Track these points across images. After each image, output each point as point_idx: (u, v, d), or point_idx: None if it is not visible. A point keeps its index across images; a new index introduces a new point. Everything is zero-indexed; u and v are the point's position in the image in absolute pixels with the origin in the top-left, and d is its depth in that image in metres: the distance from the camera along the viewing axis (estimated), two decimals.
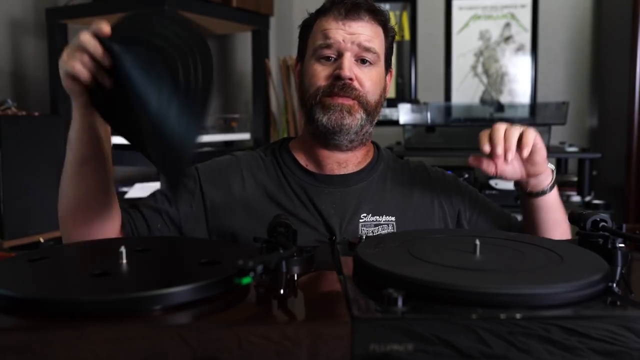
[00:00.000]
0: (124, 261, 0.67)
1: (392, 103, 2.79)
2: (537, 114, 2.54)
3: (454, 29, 2.85)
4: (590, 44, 2.74)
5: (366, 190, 1.09)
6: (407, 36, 2.89)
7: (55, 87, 2.33)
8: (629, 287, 0.64)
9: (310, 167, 1.10)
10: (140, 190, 2.23)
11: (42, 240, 2.03)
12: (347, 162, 1.10)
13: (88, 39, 0.79)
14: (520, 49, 2.80)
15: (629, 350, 0.52)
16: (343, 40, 1.04)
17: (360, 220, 1.06)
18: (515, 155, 0.93)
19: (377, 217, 1.07)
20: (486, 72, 2.84)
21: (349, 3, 1.05)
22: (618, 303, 0.58)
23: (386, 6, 2.87)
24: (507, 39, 2.81)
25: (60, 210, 0.96)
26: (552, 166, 1.02)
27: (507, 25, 2.81)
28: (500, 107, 2.56)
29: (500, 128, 0.92)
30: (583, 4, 2.73)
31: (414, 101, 2.67)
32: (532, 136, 0.92)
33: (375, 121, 1.11)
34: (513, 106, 2.64)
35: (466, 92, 2.85)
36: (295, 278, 0.68)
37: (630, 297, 0.61)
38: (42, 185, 2.09)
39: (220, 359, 0.51)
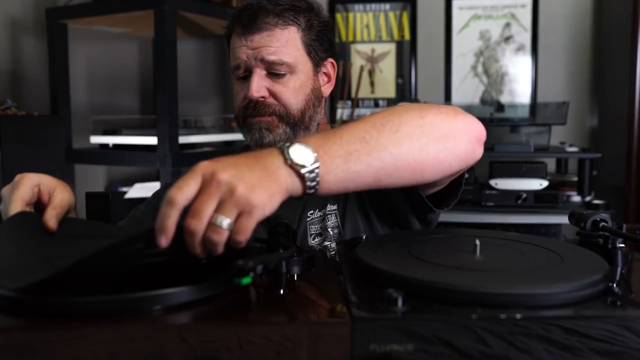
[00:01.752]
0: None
1: (392, 103, 2.79)
2: (537, 114, 2.53)
3: (454, 29, 2.84)
4: (591, 44, 2.74)
5: None
6: (407, 36, 2.89)
7: (55, 87, 2.32)
8: (629, 287, 0.64)
9: None
10: (140, 190, 2.23)
11: None
12: None
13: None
14: (520, 49, 2.80)
15: (629, 350, 0.52)
16: (247, 58, 1.00)
17: (308, 219, 1.04)
18: None
19: (323, 209, 1.05)
20: (486, 72, 2.84)
21: (246, 15, 1.00)
22: (618, 303, 0.58)
23: (386, 6, 2.87)
24: (507, 39, 2.81)
25: None
26: (302, 157, 0.65)
27: (507, 25, 2.81)
28: (500, 107, 2.56)
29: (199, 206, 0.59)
30: (583, 4, 2.73)
31: (414, 101, 2.67)
32: (251, 224, 0.60)
33: (314, 123, 1.07)
34: (513, 106, 2.64)
35: (466, 92, 2.85)
36: (295, 278, 0.68)
37: (630, 297, 0.61)
38: None
39: (220, 359, 0.51)
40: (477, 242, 0.67)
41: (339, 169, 0.67)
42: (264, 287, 0.64)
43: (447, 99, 2.85)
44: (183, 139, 2.09)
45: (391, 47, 2.90)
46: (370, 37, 2.90)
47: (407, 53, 2.90)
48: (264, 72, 1.01)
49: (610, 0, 2.66)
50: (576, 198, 2.33)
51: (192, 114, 2.71)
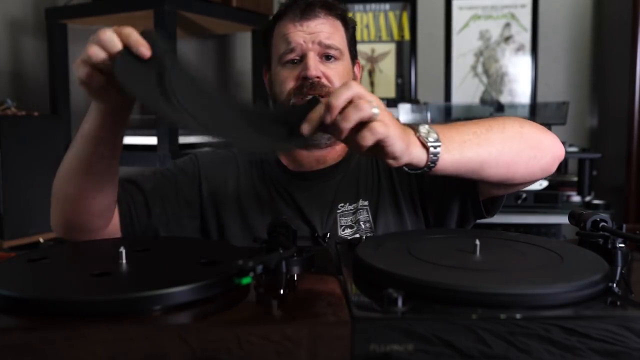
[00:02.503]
0: (124, 261, 0.67)
1: (392, 103, 2.79)
2: (537, 114, 2.53)
3: (454, 29, 2.84)
4: (591, 44, 2.74)
5: (343, 181, 1.09)
6: (407, 36, 2.89)
7: (55, 87, 2.32)
8: (629, 287, 0.64)
9: (291, 166, 1.12)
10: None
11: (42, 240, 2.03)
12: (325, 157, 1.11)
13: (111, 36, 0.74)
14: (520, 49, 2.80)
15: (629, 350, 0.52)
16: (304, 42, 1.05)
17: (338, 211, 1.07)
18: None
19: (355, 204, 1.08)
20: (486, 72, 2.84)
21: (303, 3, 1.06)
22: (618, 303, 0.58)
23: (386, 6, 2.87)
24: (507, 39, 2.81)
25: (58, 193, 0.95)
26: (429, 135, 0.77)
27: (507, 25, 2.81)
28: (500, 107, 2.56)
29: (342, 94, 0.71)
30: (583, 4, 2.73)
31: (413, 101, 2.67)
32: (379, 132, 0.71)
33: None
34: (513, 106, 2.64)
35: (466, 92, 2.85)
36: (295, 278, 0.68)
37: (630, 297, 0.61)
38: (42, 185, 2.08)
39: (220, 359, 0.51)
40: (477, 242, 0.67)
41: (455, 152, 0.79)
42: (264, 287, 0.64)
43: (447, 99, 2.85)
44: (183, 139, 2.09)
45: (391, 47, 2.90)
46: (370, 37, 2.90)
47: (407, 53, 2.90)
48: (317, 57, 1.06)
49: (610, 0, 2.66)
50: (576, 198, 2.33)
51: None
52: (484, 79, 2.85)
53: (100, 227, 0.97)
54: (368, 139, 0.70)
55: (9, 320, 0.55)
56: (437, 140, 0.76)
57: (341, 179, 1.10)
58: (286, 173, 1.11)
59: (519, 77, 2.82)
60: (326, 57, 1.06)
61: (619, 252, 0.67)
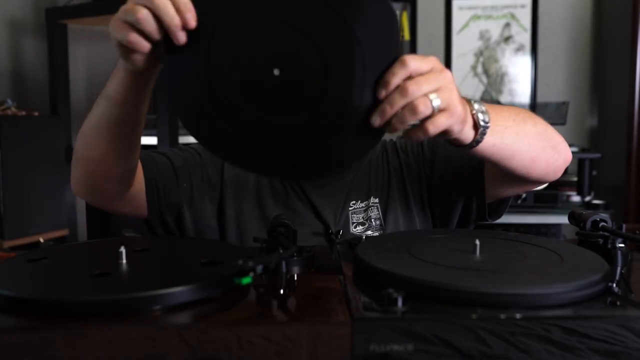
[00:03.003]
0: (124, 261, 0.67)
1: None
2: (537, 114, 2.54)
3: (454, 29, 2.84)
4: (590, 44, 2.74)
5: (356, 179, 1.10)
6: (407, 36, 2.89)
7: (55, 87, 2.33)
8: (629, 287, 0.64)
9: None
10: None
11: (42, 240, 2.03)
12: None
13: (165, 2, 0.65)
14: (520, 49, 2.80)
15: (629, 350, 0.52)
16: None
17: (350, 208, 1.07)
18: None
19: (366, 201, 1.08)
20: (486, 72, 2.84)
21: None
22: (618, 303, 0.58)
23: None
24: (507, 39, 2.81)
25: (79, 154, 0.91)
26: (483, 116, 0.74)
27: (507, 25, 2.81)
28: None
29: (396, 74, 0.65)
30: (583, 4, 2.73)
31: None
32: (442, 125, 0.67)
33: None
34: (513, 106, 2.64)
35: (466, 92, 2.85)
36: (295, 278, 0.68)
37: (630, 297, 0.61)
38: (42, 185, 2.09)
39: (220, 359, 0.51)
40: (477, 242, 0.67)
41: (497, 135, 0.78)
42: (264, 287, 0.64)
43: None
44: (183, 139, 2.09)
45: None
46: None
47: (407, 53, 2.90)
48: None
49: (610, 0, 2.66)
50: (576, 198, 2.33)
51: None
52: (484, 79, 2.85)
53: (119, 192, 0.95)
54: (430, 131, 0.67)
55: (9, 320, 0.55)
56: (487, 122, 0.74)
57: (354, 176, 1.10)
58: None
59: (518, 77, 2.82)
60: None
61: (619, 252, 0.67)
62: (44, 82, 2.41)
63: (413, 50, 2.88)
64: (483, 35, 2.83)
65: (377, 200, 1.08)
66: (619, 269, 0.66)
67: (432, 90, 0.66)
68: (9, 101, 2.12)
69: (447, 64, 2.85)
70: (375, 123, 0.65)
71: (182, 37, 0.66)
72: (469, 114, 0.73)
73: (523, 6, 2.78)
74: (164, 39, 0.67)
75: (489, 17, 2.82)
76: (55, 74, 2.31)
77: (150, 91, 0.83)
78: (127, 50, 0.70)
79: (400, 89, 0.64)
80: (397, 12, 2.87)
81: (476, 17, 2.83)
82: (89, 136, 0.87)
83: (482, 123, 0.74)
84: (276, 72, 0.66)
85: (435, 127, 0.67)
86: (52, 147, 2.15)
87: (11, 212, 1.99)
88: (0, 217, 1.98)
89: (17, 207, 2.01)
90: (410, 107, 0.65)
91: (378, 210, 1.07)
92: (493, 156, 0.80)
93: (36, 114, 2.20)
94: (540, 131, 0.86)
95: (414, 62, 0.65)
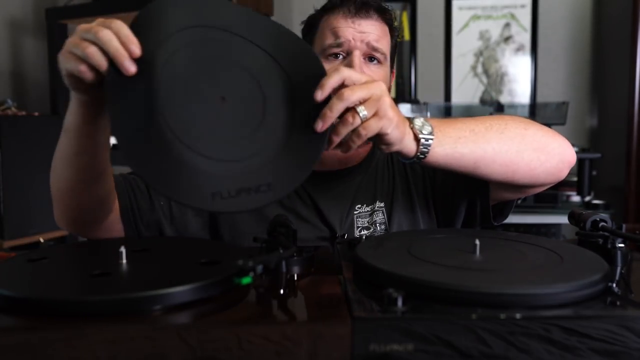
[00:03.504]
0: (124, 261, 0.67)
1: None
2: (537, 114, 2.54)
3: (454, 29, 2.85)
4: (590, 44, 2.74)
5: (362, 182, 1.09)
6: (407, 36, 2.89)
7: (55, 87, 2.33)
8: (629, 287, 0.64)
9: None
10: None
11: (42, 240, 2.03)
12: (349, 159, 1.10)
13: (109, 37, 0.69)
14: (520, 49, 2.80)
15: (629, 350, 0.52)
16: (353, 39, 1.04)
17: (355, 212, 1.07)
18: None
19: (372, 205, 1.08)
20: (486, 72, 2.84)
21: (359, 1, 1.05)
22: (618, 303, 0.58)
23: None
24: (507, 39, 2.81)
25: (52, 187, 0.94)
26: (423, 128, 0.81)
27: (507, 25, 2.81)
28: (500, 107, 2.56)
29: (331, 80, 0.74)
30: (583, 4, 2.73)
31: (413, 101, 2.67)
32: (376, 126, 0.75)
33: None
34: (513, 106, 2.64)
35: (466, 92, 2.85)
36: (295, 278, 0.68)
37: (630, 297, 0.61)
38: (42, 185, 2.08)
39: (220, 359, 0.51)
40: (477, 242, 0.67)
41: (447, 146, 0.82)
42: (264, 287, 0.64)
43: (447, 99, 2.85)
44: None
45: None
46: None
47: (407, 53, 2.90)
48: (361, 57, 1.05)
49: (610, 0, 2.66)
50: (576, 198, 2.33)
51: None
52: (484, 79, 2.85)
53: (99, 219, 0.96)
54: (362, 134, 0.74)
55: (9, 320, 0.55)
56: (430, 134, 0.80)
57: (361, 180, 1.09)
58: None
59: (518, 77, 2.82)
60: (369, 59, 1.05)
61: (619, 252, 0.67)
62: (44, 82, 2.41)
63: (413, 50, 2.88)
64: (483, 35, 2.83)
65: (382, 204, 1.08)
66: (619, 269, 0.66)
67: (366, 97, 0.74)
68: (9, 101, 2.12)
69: (447, 64, 2.85)
70: (318, 128, 0.74)
71: (129, 67, 0.69)
72: (408, 127, 0.80)
73: (523, 6, 2.78)
74: (112, 68, 0.70)
75: (489, 17, 2.82)
76: (55, 74, 2.31)
77: (106, 121, 0.84)
78: (76, 79, 0.74)
79: (338, 94, 0.73)
80: (397, 12, 2.87)
81: (476, 17, 2.83)
82: (57, 168, 0.91)
83: (421, 135, 0.80)
84: (222, 100, 0.73)
85: (366, 130, 0.74)
86: (52, 147, 2.15)
87: (11, 212, 1.99)
88: (0, 217, 1.98)
89: (17, 207, 2.01)
90: (342, 120, 0.74)
91: (383, 215, 1.07)
92: (451, 166, 0.85)
93: (36, 114, 2.20)
94: (513, 135, 0.87)
95: (347, 71, 0.76)
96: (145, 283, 0.62)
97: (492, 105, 2.61)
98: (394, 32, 1.11)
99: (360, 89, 0.74)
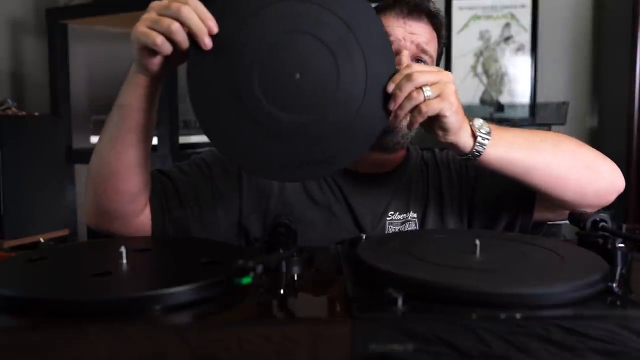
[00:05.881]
0: (124, 261, 0.67)
1: None
2: (537, 114, 2.53)
3: (454, 29, 2.84)
4: (590, 44, 2.74)
5: (397, 190, 1.08)
6: None
7: (55, 87, 2.32)
8: (629, 287, 0.64)
9: (348, 166, 1.08)
10: None
11: (42, 240, 2.03)
12: (384, 163, 1.10)
13: (191, 14, 0.74)
14: (520, 49, 2.80)
15: (628, 350, 0.52)
16: (403, 38, 1.04)
17: (388, 218, 1.06)
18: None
19: (404, 214, 1.07)
20: (486, 72, 2.84)
21: (412, 2, 1.06)
22: (618, 303, 0.58)
23: None
24: (507, 39, 2.81)
25: (92, 173, 0.91)
26: (481, 127, 0.85)
27: (507, 25, 2.81)
28: (500, 107, 2.56)
29: (409, 82, 0.78)
30: (583, 4, 2.73)
31: None
32: (437, 106, 0.79)
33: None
34: (513, 106, 2.64)
35: (466, 92, 2.85)
36: (295, 278, 0.68)
37: (630, 297, 0.61)
38: (42, 185, 2.09)
39: (220, 359, 0.51)
40: (477, 242, 0.67)
41: (502, 149, 0.85)
42: (264, 287, 0.64)
43: None
44: (183, 139, 2.09)
45: None
46: None
47: None
48: (409, 57, 1.06)
49: (610, 0, 2.66)
50: None
51: (192, 114, 2.70)
52: (484, 79, 2.85)
53: (131, 214, 0.93)
54: (423, 111, 0.78)
55: (9, 320, 0.55)
56: (487, 134, 0.84)
57: (395, 187, 1.08)
58: (343, 173, 1.08)
59: (518, 77, 2.81)
60: (417, 60, 1.05)
61: (619, 252, 0.67)
62: (44, 82, 2.40)
63: None
64: (483, 36, 2.83)
65: (415, 215, 1.08)
66: (619, 269, 0.66)
67: (433, 81, 0.79)
68: (10, 101, 2.12)
69: (447, 64, 2.85)
70: (390, 107, 0.79)
71: (209, 42, 0.75)
72: (467, 121, 0.83)
73: (523, 6, 2.78)
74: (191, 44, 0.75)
75: (488, 17, 2.82)
76: (56, 74, 2.31)
77: (159, 98, 0.88)
78: (149, 53, 0.77)
79: (407, 76, 0.78)
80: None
81: (476, 17, 2.83)
82: (102, 151, 0.89)
83: (479, 133, 0.83)
84: (297, 76, 0.76)
85: (427, 107, 0.78)
86: (52, 147, 2.15)
87: (11, 212, 1.99)
88: (0, 217, 1.98)
89: (17, 207, 2.01)
90: (407, 96, 0.78)
91: (416, 225, 1.07)
92: (503, 169, 0.87)
93: (36, 114, 2.20)
94: (565, 150, 0.90)
95: (417, 65, 0.81)
96: (145, 283, 0.62)
97: (492, 105, 2.61)
98: (442, 39, 1.12)
99: (430, 74, 0.79)
